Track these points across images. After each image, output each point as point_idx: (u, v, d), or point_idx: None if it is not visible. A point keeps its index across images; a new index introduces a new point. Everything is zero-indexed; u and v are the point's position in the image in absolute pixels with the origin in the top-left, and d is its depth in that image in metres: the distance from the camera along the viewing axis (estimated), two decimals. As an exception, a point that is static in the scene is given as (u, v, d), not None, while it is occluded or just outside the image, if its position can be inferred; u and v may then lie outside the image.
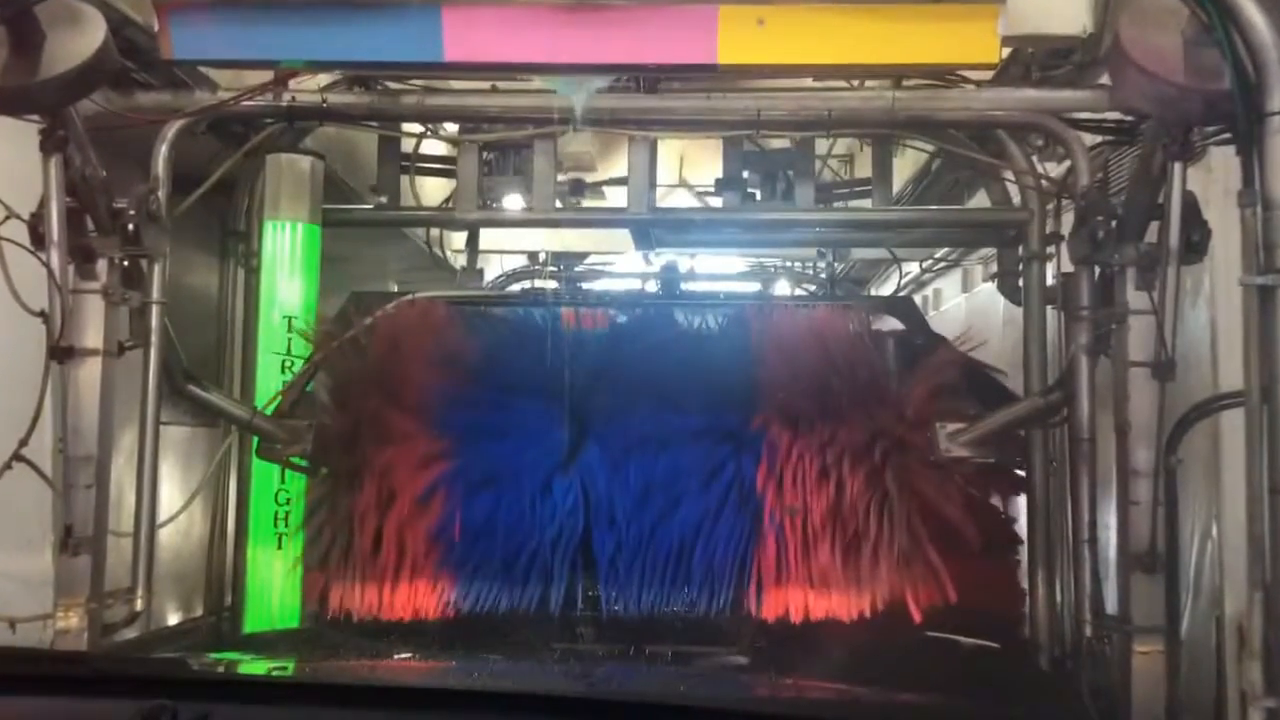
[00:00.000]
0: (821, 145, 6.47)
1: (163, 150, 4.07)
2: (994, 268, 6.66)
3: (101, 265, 3.74)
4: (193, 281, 6.03)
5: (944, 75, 4.40)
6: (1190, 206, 3.51)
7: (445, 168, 6.04)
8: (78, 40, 3.19)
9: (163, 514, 5.30)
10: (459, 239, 7.36)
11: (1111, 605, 3.95)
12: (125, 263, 3.77)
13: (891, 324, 5.46)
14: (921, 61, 3.26)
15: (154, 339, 3.95)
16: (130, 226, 3.69)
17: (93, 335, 3.71)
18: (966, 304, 8.24)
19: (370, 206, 5.82)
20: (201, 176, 4.79)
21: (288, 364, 5.23)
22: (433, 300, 5.28)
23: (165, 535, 5.56)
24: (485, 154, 5.85)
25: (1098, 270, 3.98)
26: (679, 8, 3.09)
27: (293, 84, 4.63)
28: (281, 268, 5.26)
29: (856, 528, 4.62)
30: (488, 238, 7.22)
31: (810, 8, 3.07)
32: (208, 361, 5.60)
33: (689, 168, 7.86)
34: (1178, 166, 3.44)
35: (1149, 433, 3.69)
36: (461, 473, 4.95)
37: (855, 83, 4.75)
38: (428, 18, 3.08)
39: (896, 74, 4.16)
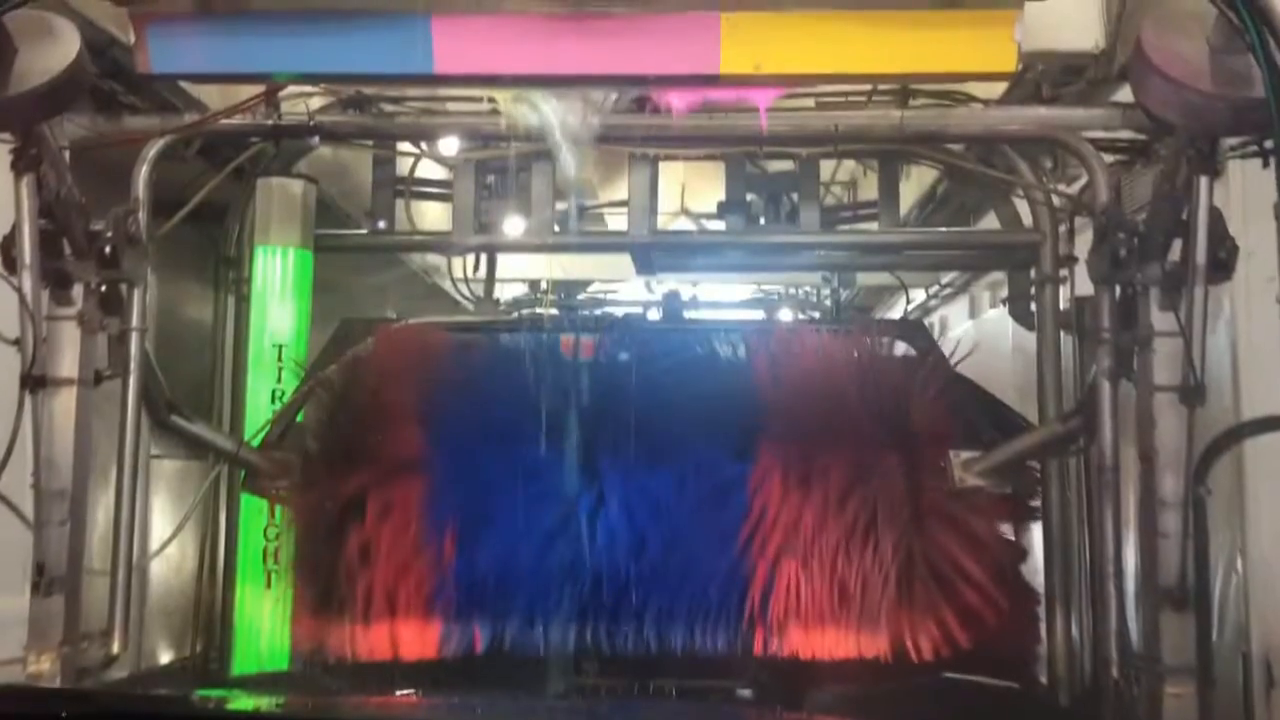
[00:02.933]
0: (824, 171, 6.34)
1: (143, 171, 3.93)
2: (1002, 293, 6.52)
3: (78, 290, 3.58)
4: (188, 309, 5.89)
5: (957, 85, 4.26)
6: (1217, 222, 3.35)
7: (443, 192, 5.90)
8: (50, 54, 3.04)
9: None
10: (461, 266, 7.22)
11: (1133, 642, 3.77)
12: (103, 288, 3.61)
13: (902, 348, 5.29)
14: (934, 70, 3.10)
15: (133, 368, 3.78)
16: (108, 249, 3.53)
17: (68, 364, 3.56)
18: (974, 330, 8.09)
19: (365, 231, 5.67)
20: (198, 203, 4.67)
21: (278, 393, 5.09)
22: (425, 327, 5.12)
23: (156, 572, 5.44)
24: (489, 177, 5.72)
25: (1118, 290, 3.81)
26: (679, 16, 2.94)
27: (284, 106, 4.52)
28: (272, 294, 5.14)
29: (870, 562, 4.44)
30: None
31: (816, 15, 2.92)
32: (203, 392, 5.46)
33: (691, 196, 7.72)
34: (1204, 180, 3.28)
35: (1177, 461, 3.51)
36: (458, 508, 4.77)
37: (862, 99, 4.63)
38: (416, 28, 2.93)
39: (908, 82, 4.01)
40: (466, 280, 6.83)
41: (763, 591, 4.55)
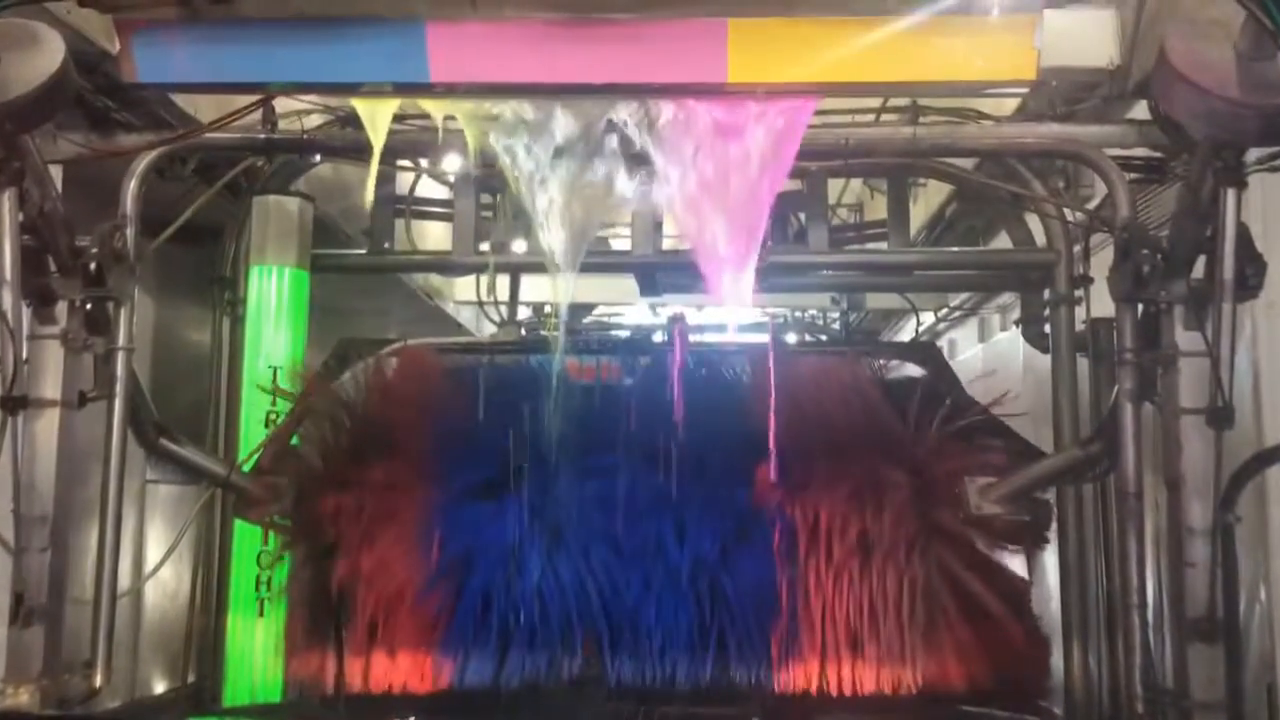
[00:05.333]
0: (831, 194, 6.21)
1: (131, 186, 3.81)
2: (1012, 316, 6.38)
3: (62, 309, 3.46)
4: (186, 331, 5.79)
5: (967, 102, 4.14)
6: (1244, 238, 3.22)
7: (444, 211, 5.79)
8: (34, 64, 2.94)
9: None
10: (462, 289, 7.11)
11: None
12: (88, 305, 3.49)
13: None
14: (953, 79, 2.98)
15: (119, 388, 3.65)
16: (93, 266, 3.41)
17: (51, 384, 3.43)
18: (984, 354, 7.96)
19: (363, 251, 5.55)
20: (193, 223, 4.58)
21: (273, 416, 4.96)
22: (425, 349, 4.98)
23: (152, 599, 5.33)
24: (497, 197, 5.60)
25: (1140, 309, 3.67)
26: (686, 22, 2.82)
27: (281, 125, 4.42)
28: (268, 315, 5.02)
29: (887, 592, 4.29)
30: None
31: (829, 22, 2.80)
32: (203, 415, 5.34)
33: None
34: (1231, 193, 3.15)
35: (1204, 486, 3.36)
36: (457, 537, 4.63)
37: (870, 118, 4.52)
38: (411, 35, 2.82)
39: (922, 92, 3.88)
40: (496, 303, 6.69)
41: (775, 620, 4.40)
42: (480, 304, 6.67)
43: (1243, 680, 3.48)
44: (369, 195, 4.14)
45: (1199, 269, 3.50)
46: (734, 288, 3.41)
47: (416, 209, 5.69)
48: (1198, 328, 3.37)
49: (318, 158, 4.98)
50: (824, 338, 9.36)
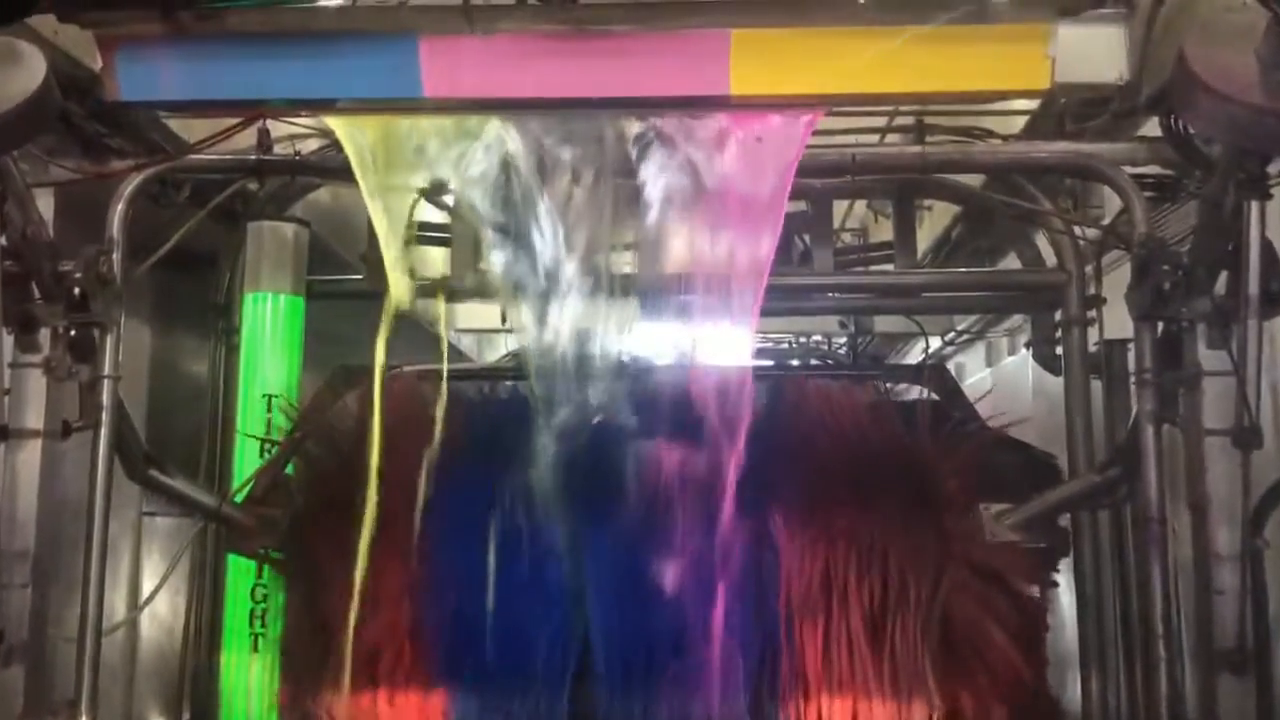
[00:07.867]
0: (834, 218, 6.12)
1: (119, 209, 3.72)
2: (1021, 339, 6.27)
3: (46, 335, 3.36)
4: (185, 360, 5.70)
5: (975, 119, 4.05)
6: (1268, 252, 3.11)
7: (444, 236, 5.69)
8: (13, 81, 2.84)
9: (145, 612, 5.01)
10: (464, 316, 7.00)
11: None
12: (72, 332, 3.38)
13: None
14: (963, 89, 2.89)
15: (105, 418, 3.54)
16: (77, 291, 3.31)
17: (34, 414, 3.33)
18: (992, 378, 7.86)
19: (359, 277, 5.47)
20: (190, 250, 4.50)
21: (268, 446, 4.86)
22: (422, 375, 4.86)
23: (147, 633, 5.23)
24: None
25: (1159, 328, 3.56)
26: (686, 34, 2.74)
27: (276, 149, 4.35)
28: (262, 342, 4.93)
29: (901, 625, 4.15)
30: (487, 313, 6.83)
31: (836, 31, 2.72)
32: (198, 445, 5.23)
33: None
34: (1255, 206, 3.05)
35: (1231, 510, 3.24)
36: (450, 572, 4.51)
37: (876, 138, 4.44)
38: (403, 49, 2.74)
39: (932, 102, 3.79)
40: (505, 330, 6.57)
41: (783, 656, 4.26)
42: (506, 331, 6.56)
43: (1273, 713, 3.35)
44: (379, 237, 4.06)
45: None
46: (741, 310, 3.31)
47: (414, 234, 5.60)
48: (1221, 346, 3.26)
49: (313, 179, 4.90)
50: (830, 361, 9.26)
